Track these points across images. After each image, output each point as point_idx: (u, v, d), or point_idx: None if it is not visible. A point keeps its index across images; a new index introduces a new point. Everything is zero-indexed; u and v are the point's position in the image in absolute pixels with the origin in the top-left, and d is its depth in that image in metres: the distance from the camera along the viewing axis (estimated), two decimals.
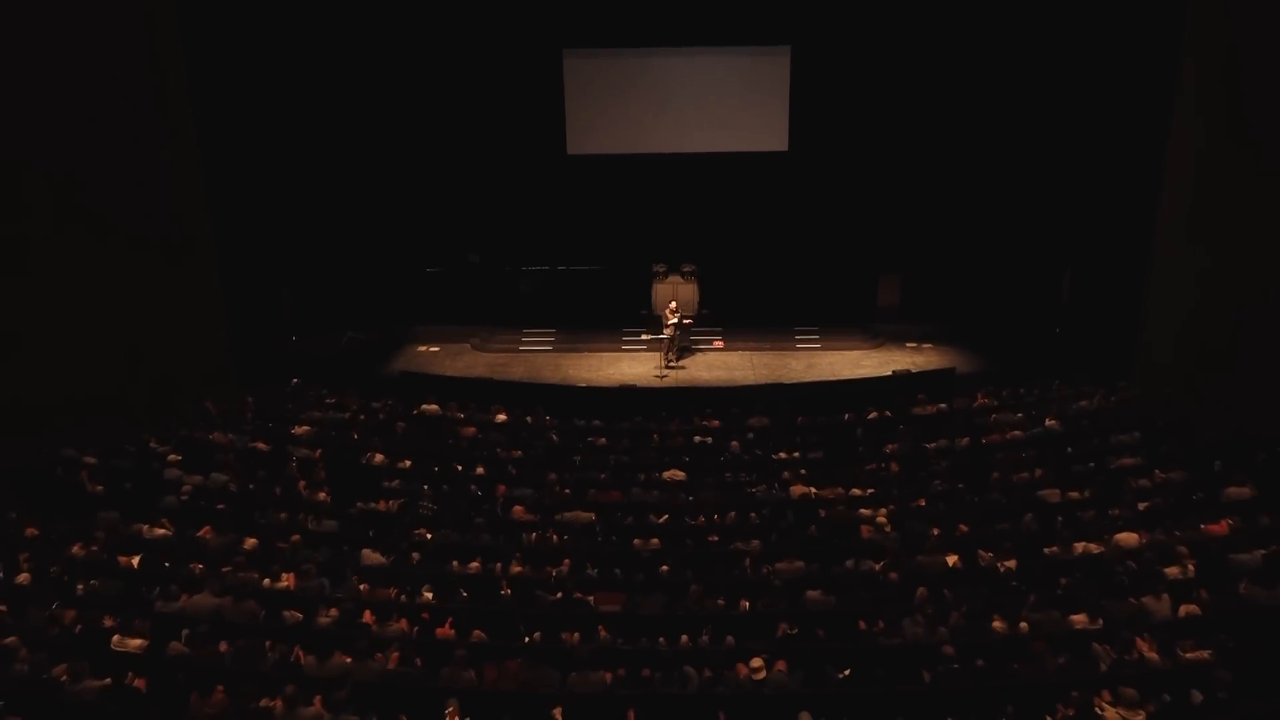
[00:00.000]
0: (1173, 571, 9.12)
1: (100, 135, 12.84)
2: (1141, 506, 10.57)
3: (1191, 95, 13.66)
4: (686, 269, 19.12)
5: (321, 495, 11.49)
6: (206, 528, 10.42)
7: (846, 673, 8.02)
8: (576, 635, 8.60)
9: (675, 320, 17.36)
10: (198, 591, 8.93)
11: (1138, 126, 15.47)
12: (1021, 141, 17.83)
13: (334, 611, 8.83)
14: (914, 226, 19.16)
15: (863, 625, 8.68)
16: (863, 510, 11.02)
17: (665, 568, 9.78)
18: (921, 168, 18.74)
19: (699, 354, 18.47)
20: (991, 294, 18.96)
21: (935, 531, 10.39)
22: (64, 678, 7.58)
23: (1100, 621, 8.41)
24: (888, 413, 14.30)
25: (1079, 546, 9.82)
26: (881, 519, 10.68)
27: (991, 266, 18.92)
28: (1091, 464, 11.86)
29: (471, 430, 13.81)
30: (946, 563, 9.72)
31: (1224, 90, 13.09)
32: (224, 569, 9.49)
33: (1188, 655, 7.88)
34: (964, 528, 10.51)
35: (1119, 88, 16.07)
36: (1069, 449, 12.36)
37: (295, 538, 10.23)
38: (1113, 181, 16.54)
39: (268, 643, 8.25)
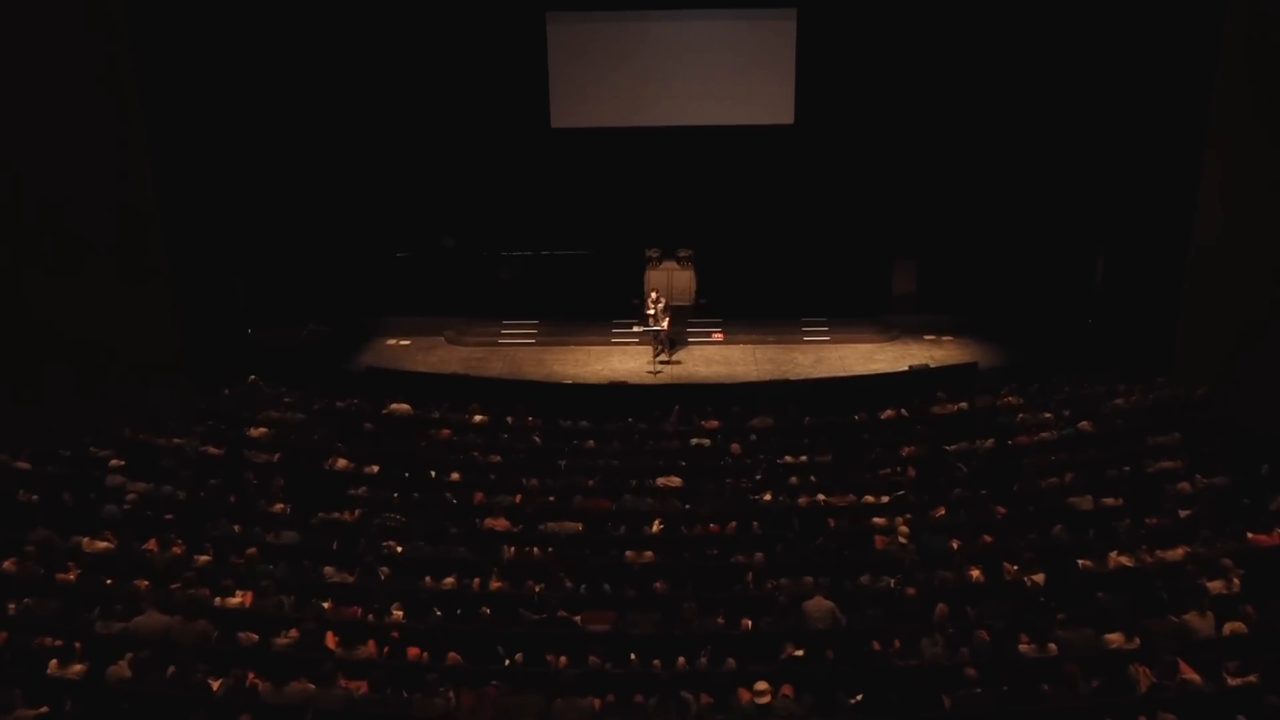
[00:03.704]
0: (1216, 586, 9.12)
1: (36, 111, 12.74)
2: (1182, 514, 10.59)
3: (1235, 69, 13.66)
4: (682, 254, 19.12)
5: (279, 505, 11.43)
6: (152, 540, 10.36)
7: (859, 698, 8.00)
8: (562, 658, 8.59)
9: (654, 312, 17.30)
10: (143, 611, 8.87)
11: (1177, 102, 15.49)
12: (1051, 114, 17.82)
13: (294, 632, 8.79)
14: (932, 207, 19.16)
15: (876, 646, 8.67)
16: (876, 519, 11.01)
17: (659, 583, 9.76)
18: (941, 143, 18.73)
19: (695, 347, 18.45)
20: (1017, 281, 18.99)
21: (956, 543, 10.39)
22: None
23: (1138, 641, 8.42)
24: (904, 412, 14.27)
25: (1114, 559, 9.82)
26: (897, 529, 10.66)
27: (1017, 251, 18.95)
28: (1127, 468, 11.87)
29: (446, 432, 13.77)
30: (969, 577, 9.71)
31: (1268, 65, 13.09)
32: (172, 586, 9.44)
33: (1233, 678, 7.87)
34: (988, 538, 10.52)
35: (1157, 60, 16.05)
36: (1102, 451, 12.36)
37: (251, 551, 10.18)
38: (1150, 159, 16.55)
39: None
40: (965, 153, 18.67)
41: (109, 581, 9.64)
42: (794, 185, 19.49)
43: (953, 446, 12.92)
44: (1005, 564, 9.82)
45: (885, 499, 11.61)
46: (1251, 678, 7.89)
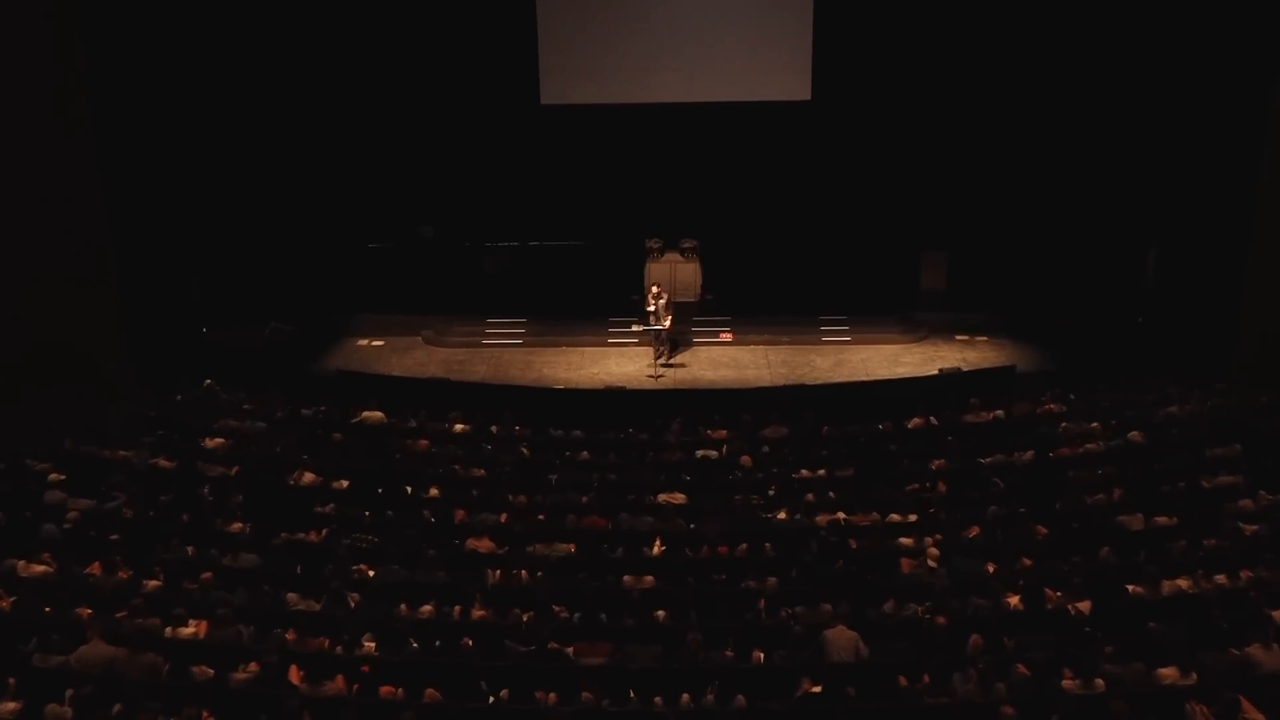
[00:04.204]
0: None
1: None
2: (1244, 534, 10.55)
3: None
4: (687, 245, 19.08)
5: (238, 524, 11.41)
6: (96, 563, 10.32)
7: None
8: (553, 695, 8.55)
9: (655, 309, 17.31)
10: (85, 642, 8.84)
11: (1239, 79, 15.45)
12: (1099, 90, 17.79)
13: (253, 666, 8.77)
14: (964, 193, 19.15)
15: (903, 681, 8.64)
16: (903, 540, 11.02)
17: (661, 612, 9.75)
18: (974, 121, 18.70)
19: (701, 348, 18.44)
20: (1059, 275, 18.97)
21: (991, 567, 10.39)
22: None
23: (1195, 676, 8.40)
24: (933, 420, 14.29)
25: (1168, 584, 9.80)
26: (926, 551, 10.65)
27: (1059, 242, 18.92)
28: (1182, 483, 11.85)
29: (423, 443, 13.77)
30: (1006, 604, 9.70)
31: None
32: (118, 614, 9.42)
33: None
34: (1027, 562, 10.51)
35: (1218, 33, 15.99)
36: (1155, 465, 12.35)
37: (206, 576, 10.15)
38: (1207, 142, 16.53)
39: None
40: (1002, 132, 18.63)
41: (47, 609, 9.59)
42: (810, 168, 19.47)
43: (988, 459, 12.92)
44: (1047, 590, 9.80)
45: (913, 518, 11.61)
46: None
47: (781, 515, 11.68)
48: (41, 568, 10.28)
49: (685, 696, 8.53)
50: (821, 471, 12.89)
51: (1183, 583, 9.80)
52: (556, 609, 9.81)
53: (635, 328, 17.86)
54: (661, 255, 19.08)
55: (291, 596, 9.97)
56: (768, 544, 10.98)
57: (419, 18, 18.69)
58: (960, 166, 19.00)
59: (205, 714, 8.14)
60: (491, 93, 19.19)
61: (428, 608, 9.84)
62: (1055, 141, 18.41)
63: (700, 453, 13.54)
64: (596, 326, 19.13)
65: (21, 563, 10.29)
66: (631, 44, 19.04)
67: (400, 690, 8.64)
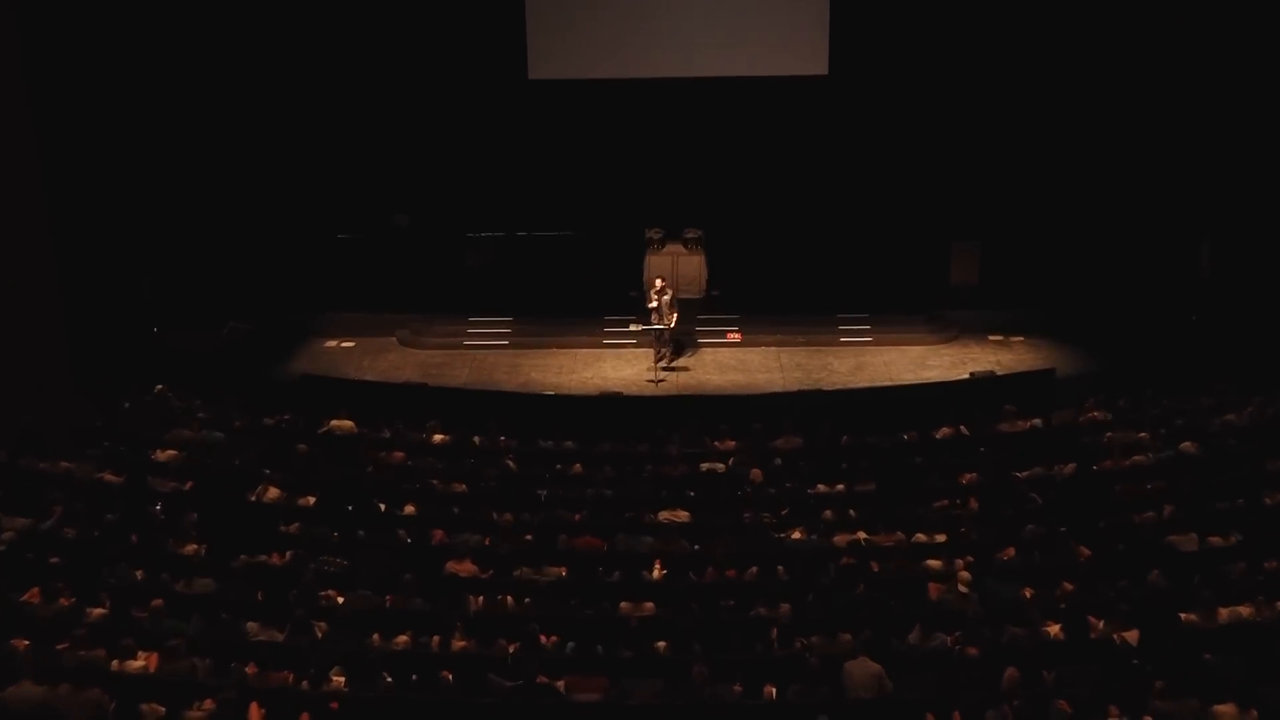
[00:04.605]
0: None
1: None
2: None
3: None
4: (690, 235, 19.11)
5: (192, 545, 11.40)
6: (34, 589, 10.30)
7: None
8: None
9: (656, 306, 17.31)
10: (21, 677, 8.80)
11: None
12: (1149, 65, 17.80)
13: (209, 704, 8.75)
14: (999, 178, 19.18)
15: (931, 719, 8.63)
16: (930, 562, 11.02)
17: (662, 642, 9.74)
18: (1010, 99, 18.73)
19: (707, 350, 18.46)
20: (1104, 269, 19.00)
21: (1029, 592, 10.39)
22: None
23: (1254, 714, 8.39)
24: (964, 430, 14.30)
25: (1224, 612, 9.80)
26: (957, 575, 10.66)
27: (1104, 232, 18.95)
28: (1241, 499, 11.85)
29: (398, 455, 13.78)
30: (1044, 634, 9.70)
31: None
32: (59, 646, 9.39)
33: None
34: (1068, 586, 10.51)
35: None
36: (1210, 479, 12.34)
37: (157, 603, 10.13)
38: (1268, 122, 16.54)
39: None
40: (1040, 110, 18.67)
41: None
42: (828, 150, 19.51)
43: (1024, 473, 12.92)
44: (1090, 618, 9.81)
45: (941, 538, 11.61)
46: None
47: (796, 535, 11.68)
48: None
49: None
50: (840, 487, 12.89)
51: (1242, 610, 9.79)
52: (546, 639, 9.80)
53: (633, 327, 17.88)
54: (662, 247, 19.10)
55: (252, 626, 9.95)
56: (780, 567, 10.99)
57: None
58: (994, 148, 19.02)
59: None
60: (474, 66, 19.19)
61: (403, 638, 9.83)
62: (1100, 120, 18.44)
63: (705, 466, 13.54)
64: (590, 326, 19.17)
65: None
66: (629, 12, 19.08)
67: None
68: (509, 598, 10.60)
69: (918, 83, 18.96)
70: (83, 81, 16.58)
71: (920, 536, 11.62)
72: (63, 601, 10.16)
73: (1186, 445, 13.12)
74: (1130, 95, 18.10)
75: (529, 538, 11.72)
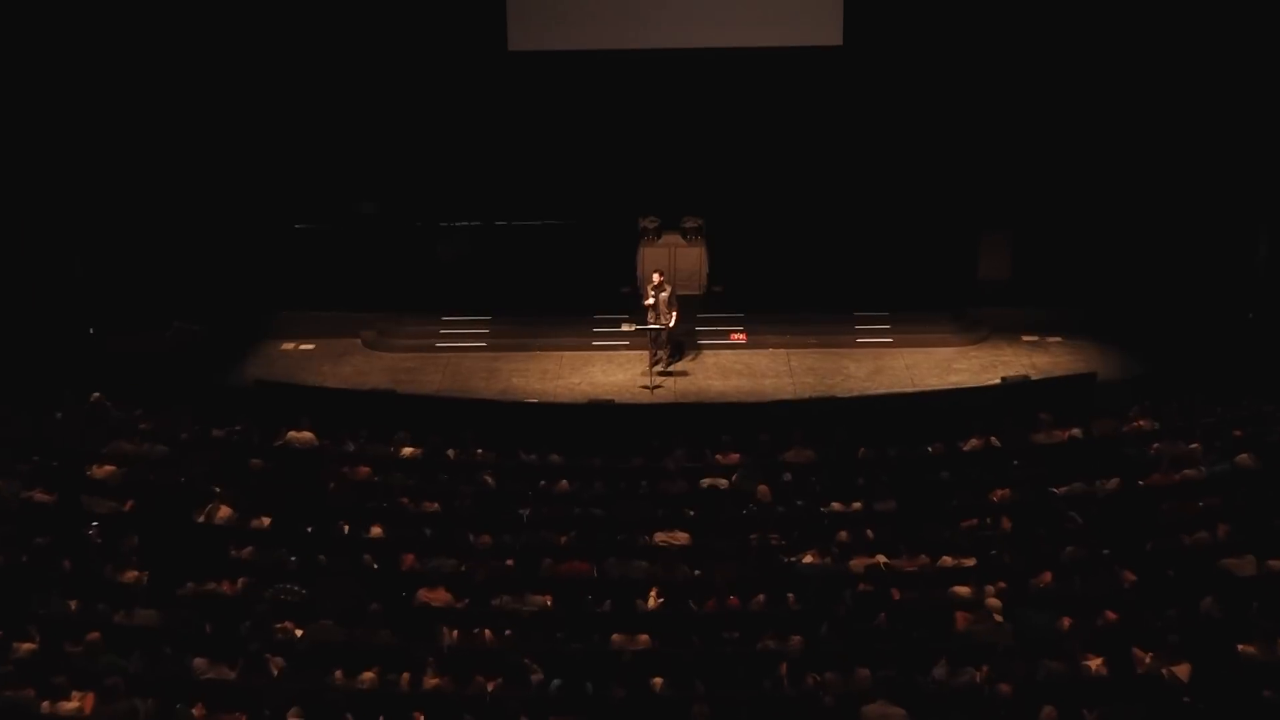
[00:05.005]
0: None
1: None
2: None
3: None
4: (689, 225, 19.09)
5: (133, 572, 11.37)
6: None
7: None
8: None
9: (654, 302, 17.29)
10: None
11: None
12: (1197, 40, 17.81)
13: None
14: (1032, 163, 19.20)
15: None
16: (958, 589, 11.01)
17: (659, 679, 9.71)
18: (1044, 75, 18.76)
19: (709, 352, 18.45)
20: (1149, 262, 19.01)
21: (1067, 621, 10.37)
22: None
23: None
24: (994, 442, 14.30)
25: None
26: (987, 602, 10.62)
27: (1148, 222, 18.97)
28: None
29: (364, 470, 13.75)
30: (1085, 668, 9.69)
31: None
32: None
33: None
34: (1111, 615, 10.49)
35: None
36: (1269, 495, 12.33)
37: (93, 637, 10.09)
38: None
39: None
40: (1078, 88, 18.70)
41: None
42: (842, 130, 19.54)
43: (1062, 489, 12.93)
44: (1136, 650, 9.81)
45: (970, 562, 11.59)
46: None
47: (808, 559, 11.67)
48: None
49: None
50: (857, 505, 12.89)
51: None
52: (529, 676, 9.76)
53: (626, 327, 17.85)
54: (659, 238, 19.07)
55: (199, 662, 9.90)
56: (790, 595, 10.96)
57: None
58: (1027, 127, 19.05)
59: None
60: (447, 36, 19.20)
61: (369, 675, 9.80)
62: (1145, 97, 18.45)
63: (707, 482, 13.54)
64: (578, 325, 19.19)
65: None
66: None
67: None
68: (487, 630, 10.58)
69: (941, 54, 18.96)
70: (8, 55, 16.54)
71: (946, 560, 11.62)
72: None
73: (1243, 458, 13.13)
74: (1179, 67, 18.09)
75: (510, 563, 11.70)
